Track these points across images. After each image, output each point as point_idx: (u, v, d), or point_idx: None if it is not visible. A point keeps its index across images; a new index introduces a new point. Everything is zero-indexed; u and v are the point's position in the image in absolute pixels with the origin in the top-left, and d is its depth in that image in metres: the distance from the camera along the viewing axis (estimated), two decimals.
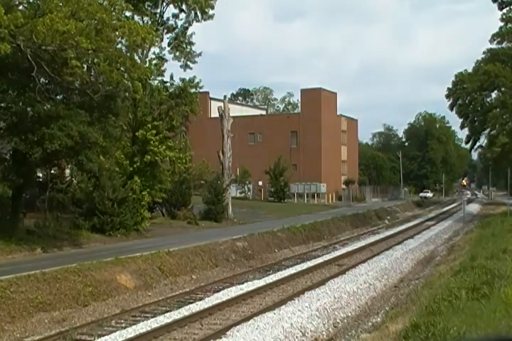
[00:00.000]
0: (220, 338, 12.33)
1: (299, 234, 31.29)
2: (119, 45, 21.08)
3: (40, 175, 27.26)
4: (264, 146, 66.25)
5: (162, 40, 33.80)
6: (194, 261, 21.46)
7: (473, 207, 66.90)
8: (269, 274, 20.83)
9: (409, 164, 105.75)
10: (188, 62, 37.12)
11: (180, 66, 37.08)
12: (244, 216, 39.39)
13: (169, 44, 36.51)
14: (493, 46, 50.95)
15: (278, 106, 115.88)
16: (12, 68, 19.68)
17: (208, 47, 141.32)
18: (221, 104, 41.08)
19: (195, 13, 36.06)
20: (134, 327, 13.18)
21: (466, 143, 63.16)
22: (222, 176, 38.21)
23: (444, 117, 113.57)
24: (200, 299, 16.37)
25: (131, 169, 29.09)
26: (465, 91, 54.96)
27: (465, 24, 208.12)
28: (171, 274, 19.68)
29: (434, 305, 10.80)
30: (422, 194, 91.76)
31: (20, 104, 20.20)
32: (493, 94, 54.01)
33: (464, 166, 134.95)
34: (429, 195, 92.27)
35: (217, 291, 17.43)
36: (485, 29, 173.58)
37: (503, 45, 50.43)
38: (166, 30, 36.64)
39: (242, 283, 18.79)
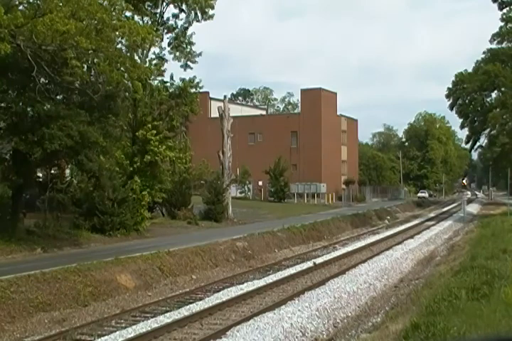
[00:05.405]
0: (220, 338, 12.32)
1: (298, 234, 31.27)
2: (119, 45, 21.11)
3: (40, 175, 27.23)
4: (264, 146, 66.21)
5: (162, 40, 33.80)
6: (194, 261, 21.44)
7: (473, 207, 66.86)
8: (269, 274, 20.81)
9: (409, 164, 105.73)
10: (188, 62, 37.12)
11: (181, 66, 37.11)
12: (244, 216, 39.39)
13: (169, 44, 36.54)
14: (493, 46, 51.06)
15: (278, 106, 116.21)
16: (12, 68, 19.68)
17: (208, 46, 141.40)
18: (221, 104, 41.08)
19: (195, 13, 36.09)
20: (134, 327, 13.17)
21: (466, 143, 63.30)
22: (222, 176, 38.21)
23: (444, 117, 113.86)
24: (200, 299, 16.36)
25: (131, 169, 29.12)
26: (465, 91, 55.01)
27: (465, 23, 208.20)
28: (171, 274, 19.67)
29: (434, 305, 10.80)
30: (419, 194, 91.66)
31: (20, 104, 20.19)
32: (493, 94, 54.11)
33: (463, 166, 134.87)
34: (425, 195, 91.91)
35: (217, 291, 17.42)
36: (485, 28, 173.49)
37: (503, 45, 50.48)
38: (166, 30, 36.64)
39: (242, 283, 18.77)
